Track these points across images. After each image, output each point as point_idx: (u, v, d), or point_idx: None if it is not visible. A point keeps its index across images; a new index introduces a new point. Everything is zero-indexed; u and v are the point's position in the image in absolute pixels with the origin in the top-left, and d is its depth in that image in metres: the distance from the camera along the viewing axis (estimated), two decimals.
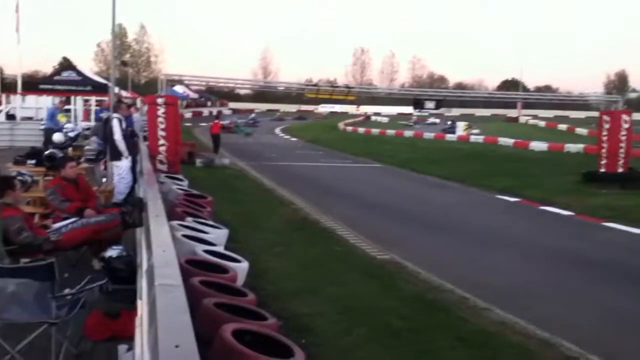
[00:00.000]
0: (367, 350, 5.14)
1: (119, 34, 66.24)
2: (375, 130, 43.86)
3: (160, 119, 12.30)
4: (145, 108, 15.17)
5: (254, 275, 5.91)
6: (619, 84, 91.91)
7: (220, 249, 6.12)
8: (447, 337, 5.50)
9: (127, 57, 68.83)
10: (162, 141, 12.21)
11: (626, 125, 17.17)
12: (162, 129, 12.26)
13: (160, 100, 12.48)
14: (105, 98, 15.92)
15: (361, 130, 45.44)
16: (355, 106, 73.68)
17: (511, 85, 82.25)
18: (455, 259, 9.21)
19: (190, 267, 4.68)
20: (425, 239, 10.59)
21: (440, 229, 11.49)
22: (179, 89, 36.10)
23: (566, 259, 9.30)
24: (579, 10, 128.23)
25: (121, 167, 9.54)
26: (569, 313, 6.65)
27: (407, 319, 5.91)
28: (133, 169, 9.74)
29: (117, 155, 9.61)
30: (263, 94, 72.51)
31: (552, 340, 5.41)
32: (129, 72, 49.06)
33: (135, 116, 12.67)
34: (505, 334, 5.61)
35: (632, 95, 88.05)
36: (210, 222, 7.34)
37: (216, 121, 25.50)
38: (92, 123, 17.47)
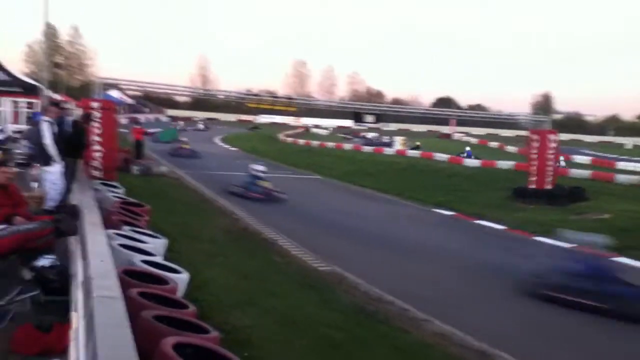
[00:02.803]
0: None
1: (51, 35, 63.64)
2: (315, 142, 44.11)
3: (95, 124, 11.87)
4: (80, 112, 14.60)
5: (193, 287, 5.76)
6: (545, 104, 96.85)
7: (158, 259, 5.94)
8: (387, 349, 5.55)
9: (59, 59, 66.02)
10: (97, 147, 11.78)
11: (553, 145, 18.08)
12: (98, 135, 11.83)
13: (95, 105, 12.05)
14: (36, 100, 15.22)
15: (301, 142, 45.56)
16: (294, 118, 73.94)
17: (444, 102, 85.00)
18: (394, 271, 9.35)
19: (128, 278, 4.51)
20: (365, 251, 10.69)
21: (380, 241, 11.64)
22: (114, 94, 34.99)
23: (502, 273, 9.61)
24: (509, 32, 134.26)
25: (52, 173, 9.09)
26: (506, 325, 6.86)
27: (347, 331, 5.92)
28: (67, 174, 9.31)
29: (47, 160, 9.15)
30: (201, 102, 71.40)
31: (488, 352, 5.56)
32: (62, 75, 46.96)
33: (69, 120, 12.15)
34: (444, 345, 5.73)
35: (557, 116, 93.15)
36: (148, 232, 7.12)
37: (136, 126, 24.57)
38: (22, 126, 16.63)
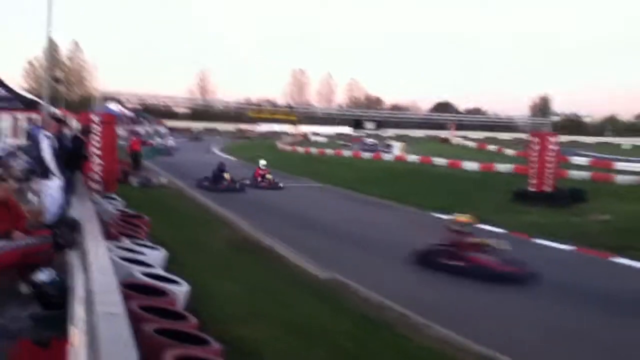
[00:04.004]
0: None
1: (52, 51, 63.72)
2: (314, 150, 44.11)
3: (95, 137, 11.87)
4: (79, 126, 14.60)
5: (196, 299, 5.72)
6: (543, 107, 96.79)
7: (158, 270, 5.92)
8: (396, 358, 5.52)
9: (59, 74, 66.11)
10: (97, 160, 11.77)
11: (553, 147, 18.09)
12: (98, 148, 11.82)
13: (96, 118, 12.05)
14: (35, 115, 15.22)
15: (300, 149, 45.58)
16: (293, 126, 74.06)
17: (443, 107, 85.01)
18: (396, 277, 9.32)
19: (128, 290, 4.49)
20: (365, 258, 10.66)
21: (380, 247, 11.60)
22: (113, 106, 35.02)
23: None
24: (504, 36, 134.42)
25: (51, 187, 9.09)
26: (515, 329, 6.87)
27: (356, 339, 5.89)
28: (67, 188, 9.31)
29: (46, 174, 9.16)
30: (201, 112, 71.55)
31: (491, 355, 5.55)
32: (61, 90, 46.97)
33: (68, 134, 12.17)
34: (448, 351, 5.70)
35: (555, 118, 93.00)
36: (148, 243, 7.11)
37: (134, 138, 24.65)
38: (21, 141, 16.64)
